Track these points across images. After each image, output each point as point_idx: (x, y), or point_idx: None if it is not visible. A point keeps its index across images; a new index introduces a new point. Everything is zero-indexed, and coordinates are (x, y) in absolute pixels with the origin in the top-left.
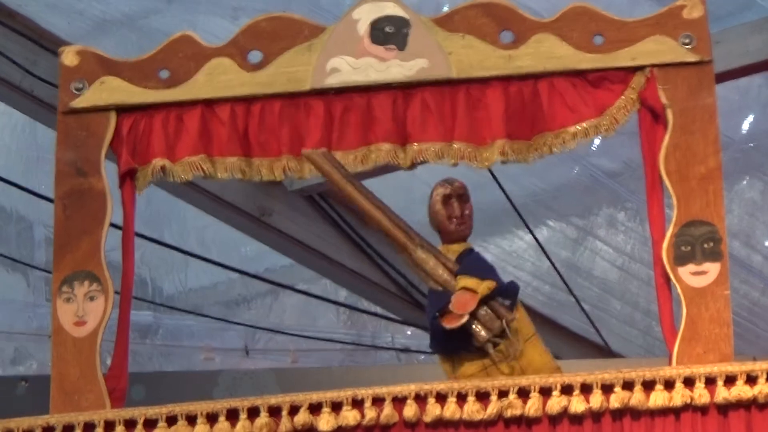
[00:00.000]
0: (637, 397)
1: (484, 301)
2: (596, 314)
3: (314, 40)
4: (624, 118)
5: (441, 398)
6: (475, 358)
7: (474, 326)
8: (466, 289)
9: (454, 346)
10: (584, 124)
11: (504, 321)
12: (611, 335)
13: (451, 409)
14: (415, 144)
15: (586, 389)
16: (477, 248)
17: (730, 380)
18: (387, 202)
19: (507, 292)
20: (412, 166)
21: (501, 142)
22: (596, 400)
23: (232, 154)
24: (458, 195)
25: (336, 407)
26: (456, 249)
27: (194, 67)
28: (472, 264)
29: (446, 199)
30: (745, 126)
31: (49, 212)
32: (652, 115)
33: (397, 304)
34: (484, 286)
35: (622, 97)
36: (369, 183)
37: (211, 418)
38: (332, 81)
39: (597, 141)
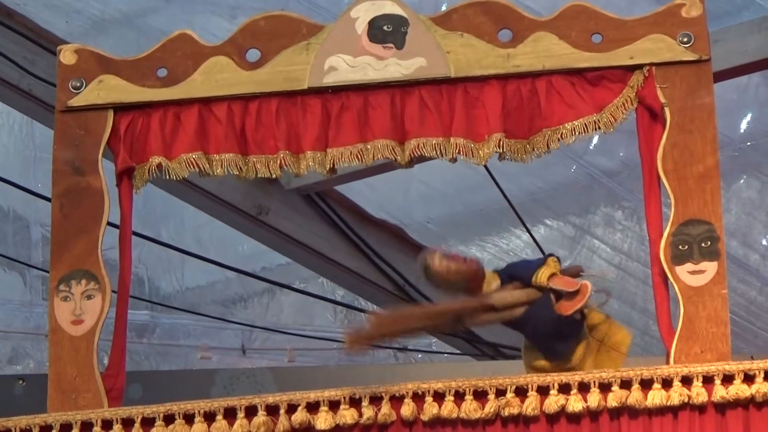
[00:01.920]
0: (634, 396)
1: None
2: None
3: (312, 38)
4: (622, 117)
5: (439, 397)
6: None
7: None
8: (553, 275)
9: (547, 339)
10: (583, 120)
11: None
12: None
13: (448, 408)
14: (413, 140)
15: (583, 388)
16: (474, 247)
17: (727, 379)
18: (385, 202)
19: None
20: (410, 163)
21: (497, 135)
22: (594, 398)
23: (229, 152)
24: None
25: (333, 406)
26: (489, 279)
27: (192, 65)
28: (513, 267)
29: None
30: (743, 125)
31: (46, 211)
32: (650, 113)
33: (395, 303)
34: (549, 265)
35: (621, 95)
36: (367, 182)
37: (209, 417)
38: (330, 80)
39: (595, 140)
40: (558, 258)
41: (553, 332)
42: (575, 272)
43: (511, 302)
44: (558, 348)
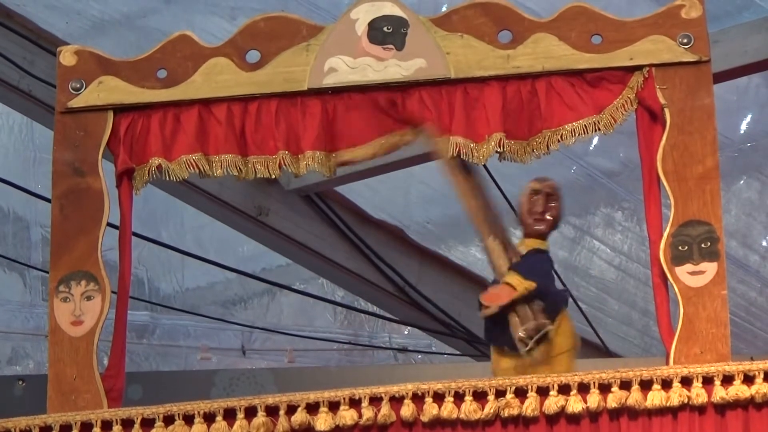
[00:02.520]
0: (634, 397)
1: (526, 300)
2: (593, 314)
3: (312, 40)
4: (622, 118)
5: (438, 398)
6: (513, 354)
7: (513, 323)
8: (507, 284)
9: (498, 337)
10: (583, 122)
11: (532, 323)
12: (608, 335)
13: (448, 409)
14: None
15: (583, 389)
16: (475, 247)
17: (727, 380)
18: (385, 203)
19: (549, 298)
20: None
21: (498, 135)
22: (594, 399)
23: (228, 153)
24: (546, 193)
25: (333, 407)
26: (529, 244)
27: (192, 66)
28: (527, 263)
29: (533, 194)
30: (743, 126)
31: (46, 212)
32: (650, 114)
33: (394, 304)
34: (524, 286)
35: (620, 96)
36: (367, 183)
37: (209, 418)
38: (330, 81)
39: (594, 141)
40: (555, 296)
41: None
42: (533, 315)
43: (490, 259)
44: (495, 335)
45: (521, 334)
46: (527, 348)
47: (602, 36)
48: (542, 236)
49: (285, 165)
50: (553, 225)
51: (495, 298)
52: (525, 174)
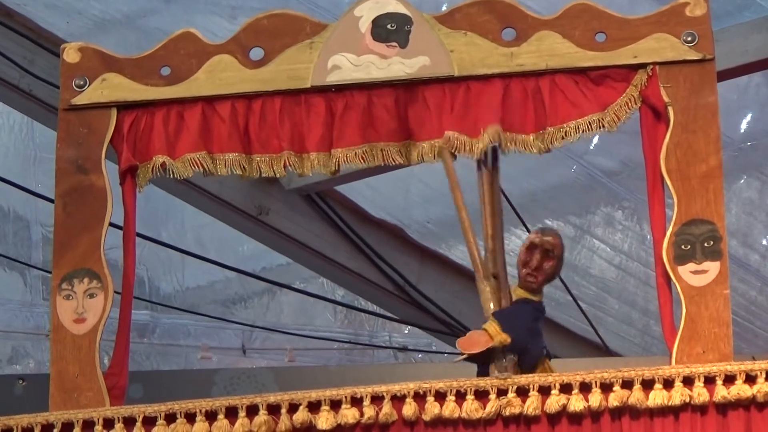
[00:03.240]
0: (636, 396)
1: (502, 351)
2: (594, 313)
3: (316, 37)
4: (625, 116)
5: (440, 397)
6: None
7: (492, 365)
8: (485, 331)
9: (482, 372)
10: (587, 119)
11: (504, 376)
12: (609, 334)
13: (450, 408)
14: (418, 143)
15: (585, 388)
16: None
17: (729, 379)
18: (385, 202)
19: (524, 354)
20: (416, 162)
21: (494, 127)
22: (595, 399)
23: (232, 151)
24: (544, 249)
25: (335, 405)
26: (519, 293)
27: (196, 64)
28: (510, 314)
29: (531, 247)
30: (744, 125)
31: (46, 212)
32: (654, 113)
33: (395, 303)
34: (499, 339)
35: (624, 94)
36: (368, 182)
37: (210, 416)
38: (333, 78)
39: (595, 140)
40: (514, 346)
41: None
42: (504, 365)
43: (480, 297)
44: (481, 370)
45: (495, 375)
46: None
47: (606, 34)
48: (531, 290)
49: (290, 165)
50: (546, 280)
51: (470, 345)
52: (525, 173)
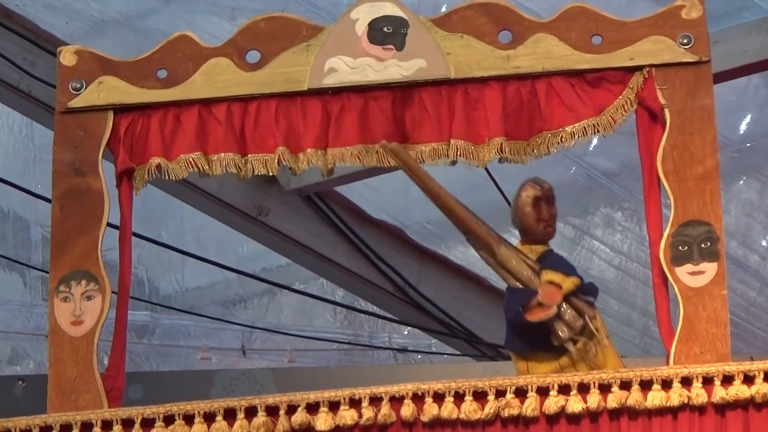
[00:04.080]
0: (634, 397)
1: (567, 298)
2: None
3: (312, 40)
4: (622, 118)
5: (438, 398)
6: (551, 358)
7: (555, 324)
8: (551, 283)
9: (534, 343)
10: (582, 123)
11: (586, 318)
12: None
13: (448, 409)
14: (414, 145)
15: (583, 389)
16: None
17: (727, 380)
18: (385, 203)
19: (589, 291)
20: None
21: (498, 140)
22: (594, 399)
23: (228, 151)
24: (547, 197)
25: (333, 407)
26: (538, 249)
27: (192, 67)
28: (556, 261)
29: (536, 201)
30: (743, 126)
31: (46, 212)
32: (650, 115)
33: (394, 304)
34: (570, 282)
35: (620, 97)
36: (367, 183)
37: (209, 418)
38: (330, 81)
39: (594, 141)
40: (589, 288)
41: (513, 323)
42: (580, 308)
43: (508, 267)
44: (528, 340)
45: (566, 330)
46: (577, 344)
47: (602, 36)
48: (549, 240)
49: (284, 160)
50: (556, 225)
51: (552, 298)
52: (525, 174)
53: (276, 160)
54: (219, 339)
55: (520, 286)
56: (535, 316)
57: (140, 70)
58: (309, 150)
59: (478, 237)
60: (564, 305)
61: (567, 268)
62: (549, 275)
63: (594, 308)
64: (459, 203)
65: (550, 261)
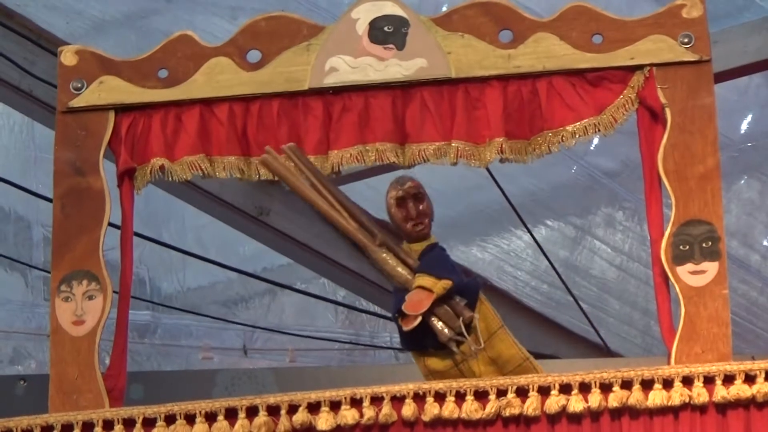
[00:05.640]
0: (635, 397)
1: (443, 299)
2: (594, 313)
3: (313, 39)
4: (623, 118)
5: (440, 397)
6: (443, 355)
7: (436, 324)
8: (422, 287)
9: (421, 344)
10: (583, 123)
11: (461, 319)
12: (609, 334)
13: (449, 409)
14: (414, 144)
15: (584, 388)
16: (475, 247)
17: (728, 379)
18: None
19: (466, 290)
20: (411, 165)
21: (499, 140)
22: (595, 399)
23: (231, 154)
24: (412, 195)
25: (335, 406)
26: (417, 248)
27: (193, 66)
28: (431, 261)
29: (400, 202)
30: (744, 126)
31: (47, 212)
32: (651, 114)
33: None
34: (440, 286)
35: (621, 96)
36: (368, 183)
37: (210, 417)
38: (331, 80)
39: (595, 140)
40: (467, 286)
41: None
42: (457, 311)
43: (385, 268)
44: (415, 339)
45: (446, 332)
46: (459, 344)
47: (603, 35)
48: (425, 237)
49: None
50: (431, 220)
51: (417, 306)
52: (525, 173)
53: None
54: (220, 339)
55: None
56: (406, 325)
57: (141, 69)
58: (311, 157)
59: (353, 240)
60: (443, 306)
61: (441, 269)
62: (420, 279)
63: (472, 307)
64: (344, 205)
65: (425, 261)
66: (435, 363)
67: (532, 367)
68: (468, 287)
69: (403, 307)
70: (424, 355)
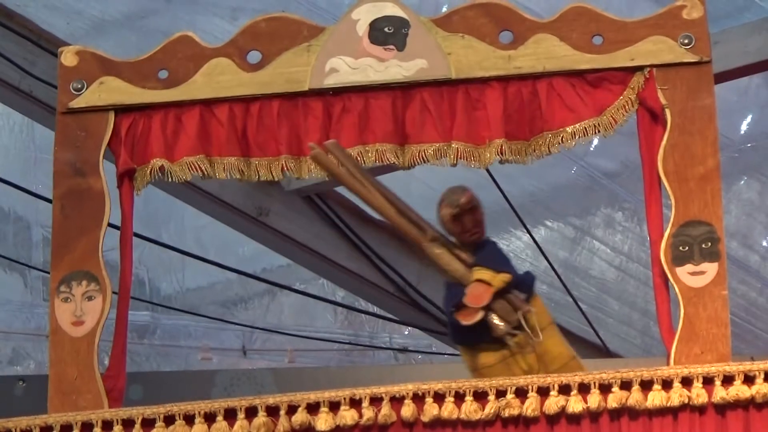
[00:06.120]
0: (634, 397)
1: (500, 293)
2: (594, 314)
3: (313, 40)
4: (623, 119)
5: (439, 398)
6: (495, 348)
7: (492, 318)
8: (481, 281)
9: (474, 338)
10: (583, 124)
11: (520, 313)
12: (609, 335)
13: (449, 409)
14: (414, 145)
15: (583, 389)
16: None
17: (727, 380)
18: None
19: (523, 283)
20: (411, 165)
21: (499, 141)
22: (594, 399)
23: (231, 155)
24: (466, 210)
25: (334, 407)
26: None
27: (193, 67)
28: (488, 256)
29: (455, 218)
30: (744, 126)
31: (47, 213)
32: (651, 115)
33: (395, 304)
34: (499, 279)
35: (621, 97)
36: None
37: (209, 418)
38: (331, 81)
39: (595, 141)
40: (523, 280)
41: (450, 321)
42: (515, 304)
43: (439, 263)
44: (469, 334)
45: (502, 326)
46: (515, 338)
47: (603, 36)
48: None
49: (287, 170)
50: (485, 225)
51: (479, 299)
52: (525, 174)
53: (280, 168)
54: (220, 339)
55: (456, 282)
56: (465, 319)
57: (141, 70)
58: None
59: (407, 235)
60: (499, 300)
61: (499, 264)
62: (478, 273)
63: (528, 300)
64: (393, 202)
65: (482, 255)
66: (485, 358)
67: (577, 365)
68: (524, 281)
69: (464, 300)
70: (475, 350)
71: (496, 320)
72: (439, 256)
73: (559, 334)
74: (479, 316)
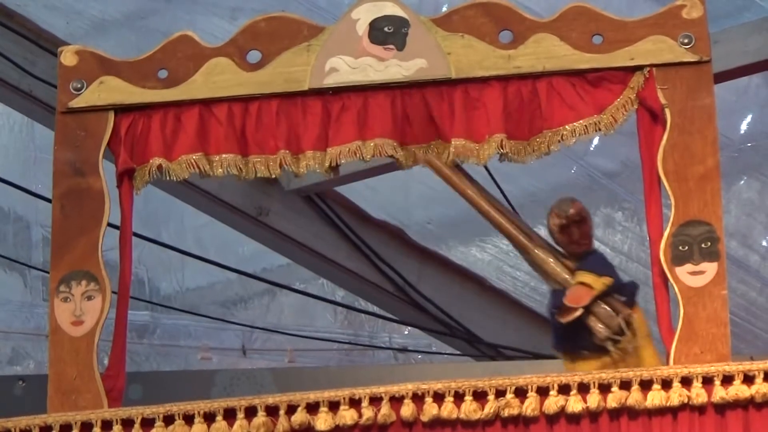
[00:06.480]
0: (634, 397)
1: (602, 297)
2: None
3: (313, 40)
4: (623, 118)
5: (438, 398)
6: (596, 356)
7: (593, 323)
8: (582, 284)
9: (575, 344)
10: (583, 122)
11: (621, 317)
12: None
13: (448, 409)
14: (413, 144)
15: (583, 389)
16: (475, 247)
17: (727, 380)
18: (385, 203)
19: (624, 289)
20: (411, 165)
21: (499, 136)
22: (594, 399)
23: (229, 152)
24: (574, 221)
25: (333, 407)
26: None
27: (193, 67)
28: (591, 262)
29: (564, 228)
30: (743, 126)
31: (46, 212)
32: (651, 115)
33: (395, 304)
34: (601, 282)
35: (621, 97)
36: (368, 183)
37: (209, 418)
38: (330, 81)
39: (595, 141)
40: (625, 287)
41: (553, 324)
42: (616, 308)
43: (545, 268)
44: (571, 341)
45: (603, 331)
46: (617, 344)
47: (603, 36)
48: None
49: (285, 165)
50: (593, 234)
51: (579, 300)
52: (525, 174)
53: (278, 164)
54: (219, 339)
55: (560, 287)
56: (565, 317)
57: (141, 70)
58: (308, 153)
59: (515, 241)
60: (601, 304)
61: (602, 269)
62: (580, 276)
63: (630, 308)
64: (500, 209)
65: (586, 262)
66: (586, 365)
67: None
68: (626, 287)
69: (564, 300)
70: (576, 357)
71: (598, 325)
72: (544, 261)
73: (654, 347)
74: (577, 313)
